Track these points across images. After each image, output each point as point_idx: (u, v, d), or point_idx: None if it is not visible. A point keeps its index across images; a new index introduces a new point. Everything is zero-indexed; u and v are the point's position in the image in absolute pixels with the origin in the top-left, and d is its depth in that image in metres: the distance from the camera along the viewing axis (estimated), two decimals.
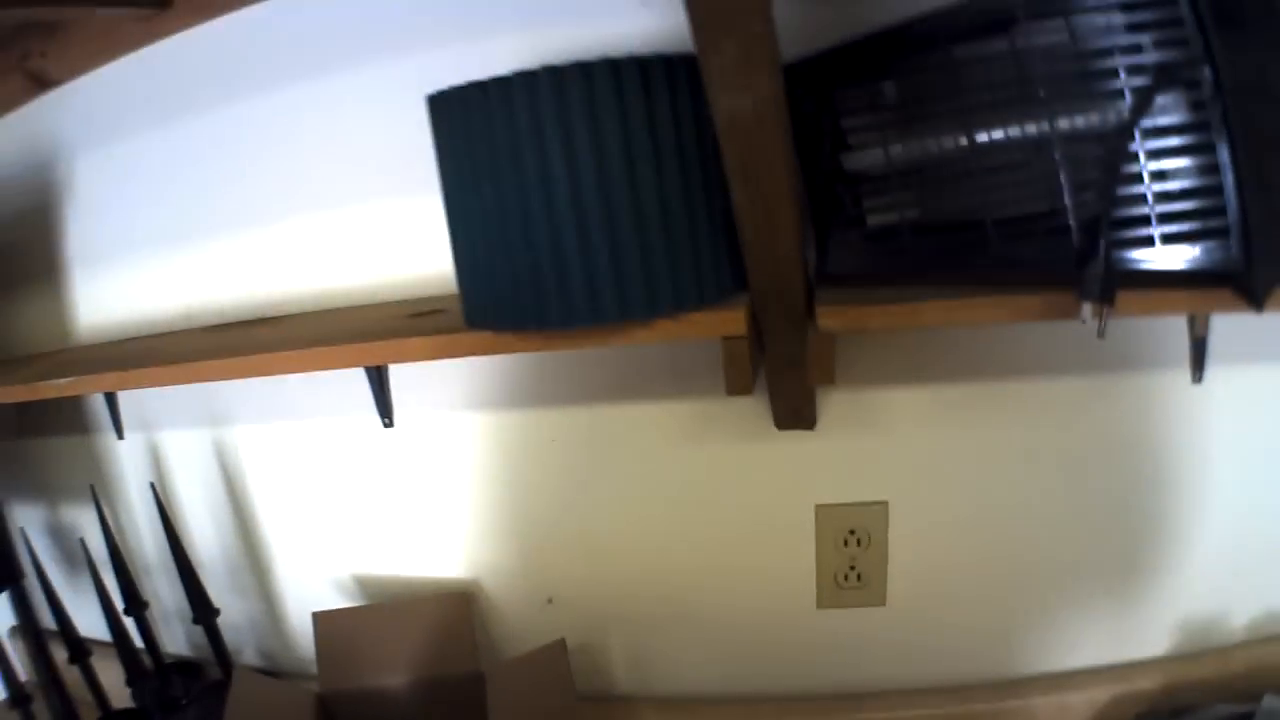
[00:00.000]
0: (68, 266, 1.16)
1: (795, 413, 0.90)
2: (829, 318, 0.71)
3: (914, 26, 0.70)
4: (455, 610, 1.03)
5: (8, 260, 1.18)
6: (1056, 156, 0.66)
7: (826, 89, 0.73)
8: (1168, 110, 0.63)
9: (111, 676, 1.10)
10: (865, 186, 0.74)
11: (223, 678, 1.10)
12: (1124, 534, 0.92)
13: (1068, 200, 0.66)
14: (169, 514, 1.08)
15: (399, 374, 0.99)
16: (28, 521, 1.23)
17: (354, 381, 0.98)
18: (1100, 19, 0.64)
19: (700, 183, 0.70)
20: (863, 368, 0.91)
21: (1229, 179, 0.63)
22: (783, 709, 1.02)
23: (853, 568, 0.97)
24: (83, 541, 1.07)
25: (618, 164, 0.67)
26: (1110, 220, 0.65)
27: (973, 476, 0.93)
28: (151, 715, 1.09)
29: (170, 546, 1.07)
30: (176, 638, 1.26)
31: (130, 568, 1.11)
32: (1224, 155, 0.63)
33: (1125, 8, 0.63)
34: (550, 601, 1.08)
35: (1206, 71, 0.62)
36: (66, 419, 1.22)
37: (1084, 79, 0.65)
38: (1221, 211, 0.63)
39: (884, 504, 0.95)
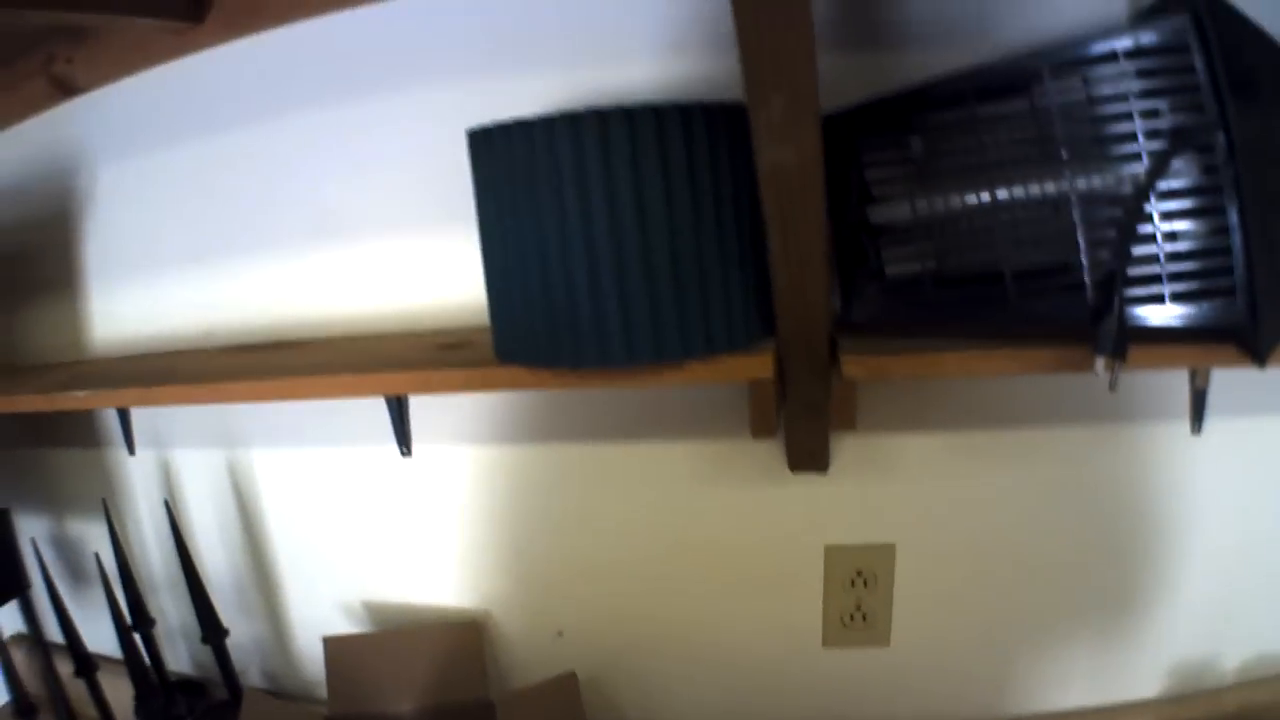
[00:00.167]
0: (84, 277, 1.16)
1: (810, 456, 0.92)
2: (853, 366, 0.73)
3: (938, 86, 0.73)
4: (466, 639, 1.04)
5: (23, 267, 1.19)
6: (1074, 215, 0.69)
7: (853, 143, 0.76)
8: (1181, 173, 0.67)
9: (115, 692, 1.10)
10: (888, 238, 0.76)
11: (228, 698, 1.10)
12: (1120, 578, 0.95)
13: (1084, 258, 0.69)
14: (183, 534, 1.08)
15: (416, 404, 1.01)
16: (32, 532, 1.24)
17: (371, 410, 0.99)
18: (1119, 84, 0.67)
19: (733, 230, 0.73)
20: (875, 413, 0.93)
21: (1237, 240, 0.66)
22: None
23: (859, 608, 0.99)
24: (98, 556, 1.08)
25: (657, 207, 0.69)
26: (1125, 278, 0.67)
27: (977, 521, 0.95)
28: None
29: (182, 565, 1.08)
30: (179, 656, 1.26)
31: (138, 584, 1.11)
32: (1233, 217, 0.66)
33: (1143, 74, 0.66)
34: (560, 634, 1.08)
35: (1220, 136, 0.65)
36: (77, 431, 1.23)
37: (1103, 141, 0.68)
38: (1229, 271, 0.66)
39: (891, 546, 0.97)
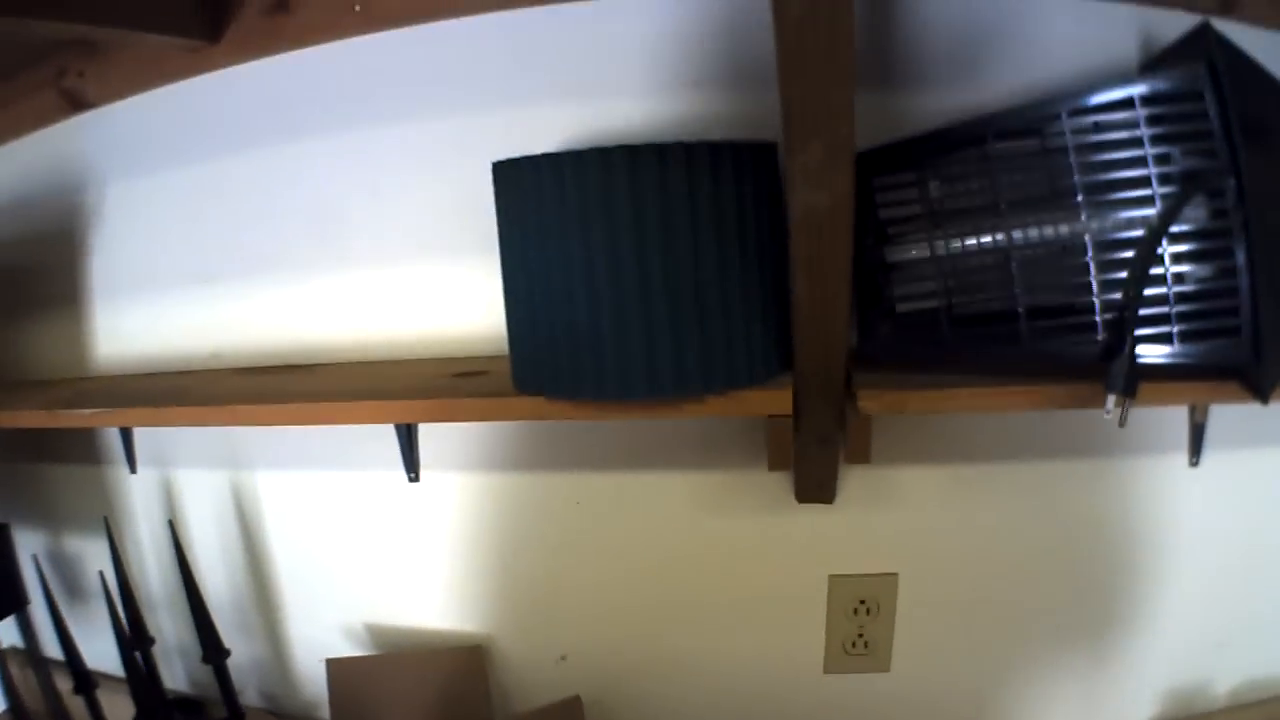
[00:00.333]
0: (89, 293, 1.16)
1: (818, 487, 0.93)
2: (869, 400, 0.75)
3: (954, 130, 0.75)
4: (470, 663, 1.04)
5: (26, 282, 1.18)
6: (1087, 256, 0.71)
7: (869, 184, 0.77)
8: (1191, 216, 0.69)
9: (112, 709, 1.09)
10: (902, 276, 0.78)
11: (227, 717, 1.09)
12: (1116, 607, 0.97)
13: (1095, 298, 0.71)
14: (186, 553, 1.08)
15: (424, 429, 1.01)
16: (28, 547, 1.22)
17: (378, 434, 1.00)
18: (1134, 129, 0.69)
19: (755, 266, 0.74)
20: (881, 446, 0.93)
21: (1244, 282, 0.68)
22: None
23: (860, 635, 1.00)
24: (102, 575, 1.06)
25: (683, 243, 0.71)
26: (1136, 318, 0.69)
27: (978, 551, 0.97)
28: None
29: (185, 585, 1.07)
30: (175, 674, 1.24)
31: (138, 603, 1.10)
32: (1241, 260, 0.68)
33: (1157, 119, 0.69)
34: (563, 659, 1.09)
35: (1231, 182, 0.67)
36: (78, 448, 1.22)
37: (1116, 184, 0.70)
38: (1234, 312, 0.68)
39: (894, 575, 0.98)
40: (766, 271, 0.75)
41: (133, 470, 1.13)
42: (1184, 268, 0.70)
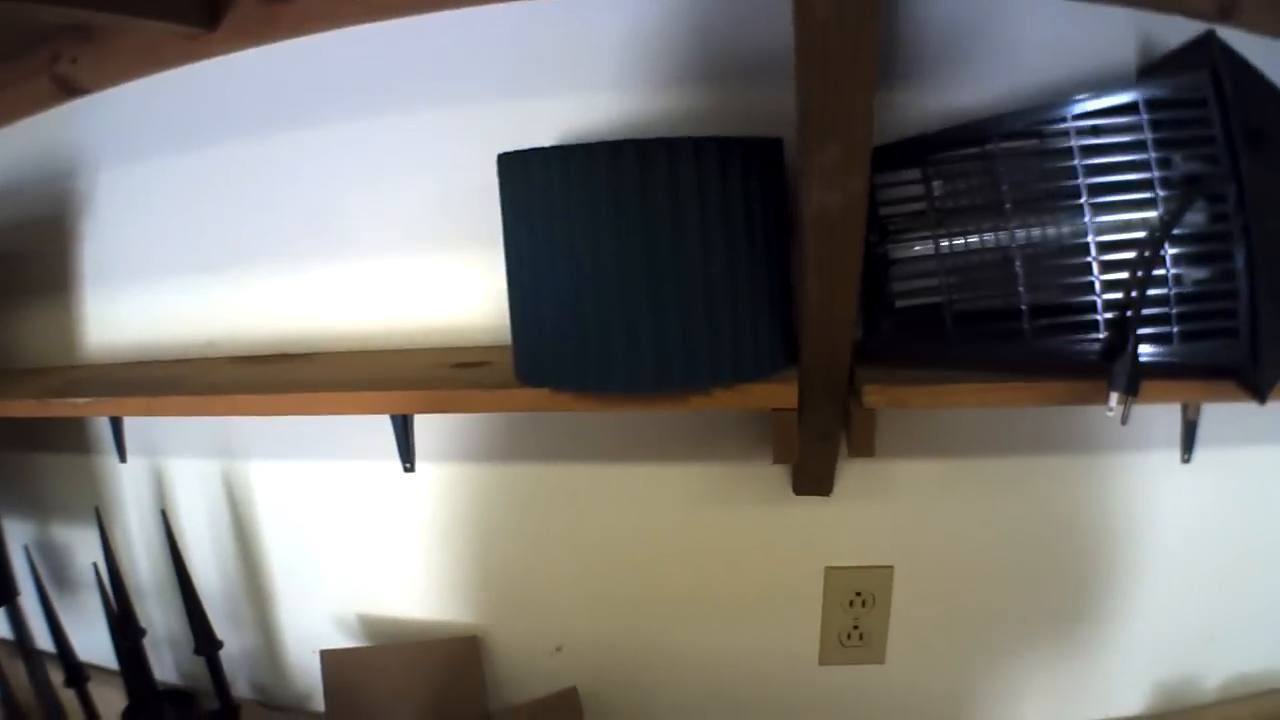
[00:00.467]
0: (79, 281, 1.14)
1: (816, 480, 0.94)
2: (874, 395, 0.75)
3: (957, 130, 0.75)
4: (465, 654, 1.05)
5: (15, 268, 1.16)
6: (1090, 256, 0.72)
7: (872, 182, 0.78)
8: (1191, 220, 0.70)
9: (101, 701, 1.08)
10: (905, 273, 0.79)
11: (219, 709, 1.08)
12: (1107, 600, 0.99)
13: (1098, 297, 0.72)
14: (179, 544, 1.07)
15: (419, 419, 1.01)
16: (15, 537, 1.20)
17: (372, 424, 1.00)
18: (1137, 133, 0.70)
19: (762, 260, 0.75)
20: (878, 440, 0.95)
21: (1243, 284, 0.69)
22: None
23: (856, 627, 1.02)
24: (96, 567, 1.05)
25: (692, 237, 0.71)
26: (1140, 318, 0.70)
27: (972, 544, 0.99)
28: None
29: (177, 575, 1.06)
30: (164, 665, 1.23)
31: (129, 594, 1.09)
32: (1240, 262, 0.69)
33: (1160, 124, 0.70)
34: (559, 649, 1.09)
35: (1232, 186, 0.69)
36: (66, 436, 1.20)
37: (1119, 186, 0.71)
38: (1233, 313, 0.70)
39: (890, 568, 1.00)
40: (772, 266, 0.76)
41: (122, 459, 1.12)
42: (1183, 270, 0.71)
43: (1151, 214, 0.71)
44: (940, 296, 0.78)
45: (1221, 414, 0.90)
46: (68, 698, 1.07)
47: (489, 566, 1.09)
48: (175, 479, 1.17)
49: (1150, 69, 0.83)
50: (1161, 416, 0.91)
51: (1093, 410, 0.86)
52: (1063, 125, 0.72)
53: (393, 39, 0.94)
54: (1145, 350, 0.71)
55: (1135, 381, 0.71)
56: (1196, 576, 0.97)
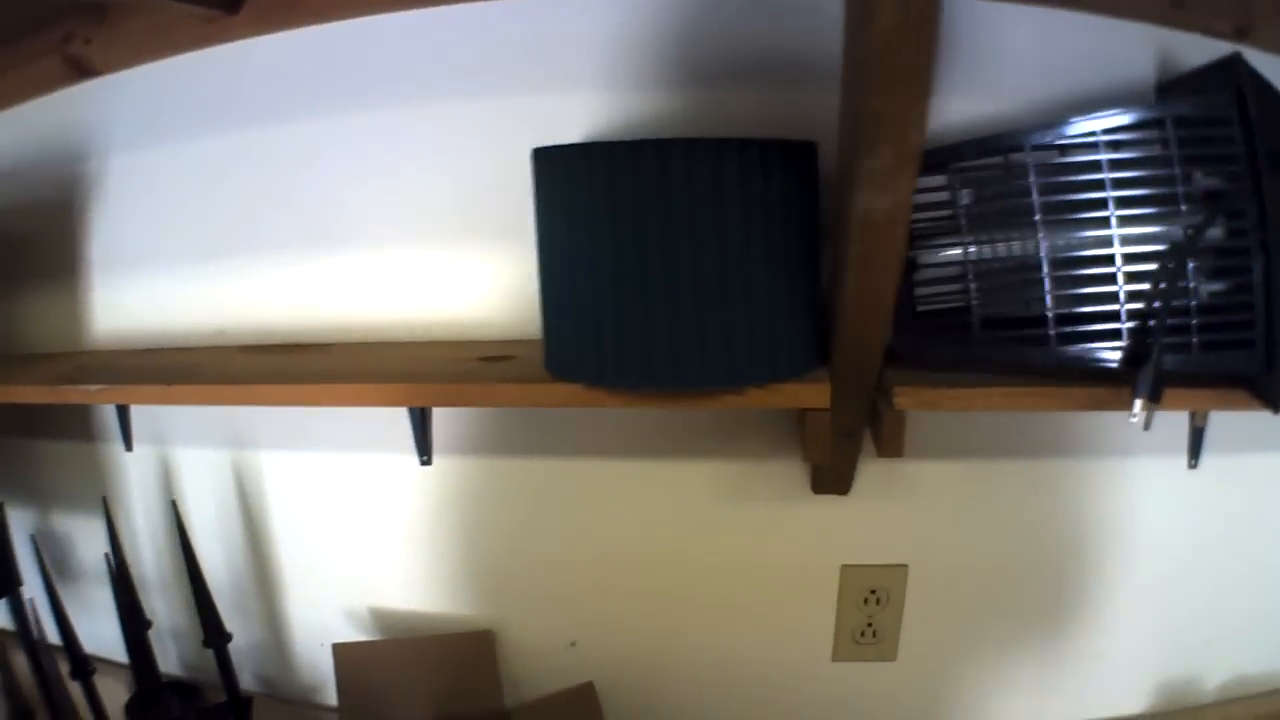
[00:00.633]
0: (88, 267, 1.12)
1: (836, 479, 0.96)
2: (904, 397, 0.77)
3: (983, 142, 0.77)
4: (479, 648, 1.05)
5: (21, 252, 1.14)
6: (1115, 266, 0.74)
7: None
8: (1211, 233, 0.73)
9: (105, 693, 1.07)
10: (926, 277, 0.81)
11: (226, 701, 1.08)
12: (1112, 604, 1.02)
13: (1121, 306, 0.74)
14: (188, 534, 1.06)
15: (435, 412, 1.01)
16: (18, 527, 1.18)
17: (387, 416, 1.00)
18: (1164, 148, 0.73)
19: (798, 261, 0.76)
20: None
21: (1260, 297, 0.72)
22: None
23: (869, 625, 1.03)
24: (108, 558, 1.04)
25: (736, 237, 0.72)
26: (1164, 328, 0.73)
27: (985, 544, 1.01)
28: None
29: (187, 567, 1.06)
30: (167, 657, 1.22)
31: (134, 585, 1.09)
32: (1258, 275, 0.72)
33: (1186, 141, 0.72)
34: (573, 645, 1.10)
35: (1253, 203, 0.71)
36: (70, 425, 1.19)
37: (1144, 200, 0.73)
38: (1249, 325, 0.73)
39: (904, 566, 1.02)
40: (805, 267, 0.77)
41: (128, 448, 1.10)
42: (1202, 281, 0.74)
43: (1174, 227, 0.73)
44: (964, 301, 0.79)
45: (1227, 422, 0.92)
46: (70, 689, 1.06)
47: (501, 560, 1.09)
48: (182, 468, 1.16)
49: (1168, 86, 0.86)
50: (1169, 424, 0.93)
51: (1103, 416, 0.90)
52: (1091, 139, 0.74)
53: (421, 29, 0.95)
54: (1166, 359, 0.73)
55: (1159, 388, 0.73)
56: (1199, 579, 1.00)
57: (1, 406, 1.11)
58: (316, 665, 1.16)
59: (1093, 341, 0.75)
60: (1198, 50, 0.83)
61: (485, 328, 1.01)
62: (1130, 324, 0.74)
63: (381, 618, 1.14)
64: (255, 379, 0.91)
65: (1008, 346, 0.79)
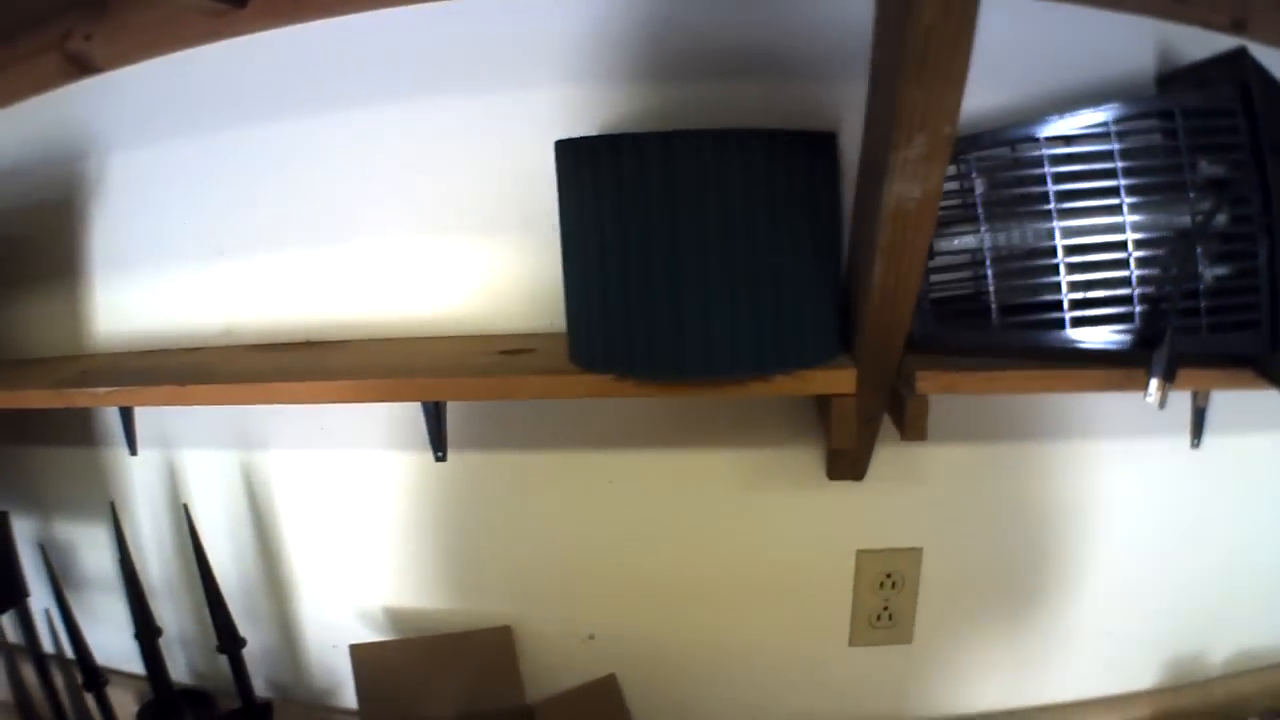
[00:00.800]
0: (89, 268, 1.10)
1: (851, 465, 0.97)
2: (926, 382, 0.79)
3: (1003, 131, 0.79)
4: (498, 645, 1.05)
5: (20, 254, 1.12)
6: (1127, 252, 0.76)
7: None
8: (1220, 220, 0.76)
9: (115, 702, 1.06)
10: (940, 264, 0.83)
11: (242, 707, 1.07)
12: (1122, 581, 1.05)
13: (1133, 290, 0.76)
14: (200, 539, 1.05)
15: (450, 407, 1.01)
16: (21, 535, 1.16)
17: (398, 412, 1.01)
18: (1171, 139, 0.76)
19: (825, 250, 0.78)
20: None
21: (1265, 280, 0.75)
22: None
23: (885, 608, 1.05)
24: (120, 564, 1.03)
25: (765, 226, 0.73)
26: (1178, 311, 0.75)
27: (998, 526, 1.03)
28: None
29: (200, 572, 1.04)
30: (177, 665, 1.20)
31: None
32: (1263, 260, 0.75)
33: (1193, 131, 0.75)
34: (591, 638, 1.10)
35: (1257, 190, 0.74)
36: (71, 429, 1.16)
37: (1156, 188, 0.76)
38: (1255, 307, 0.76)
39: (919, 550, 1.04)
40: (829, 255, 0.79)
41: (133, 452, 1.08)
42: (1209, 265, 0.76)
43: (1183, 214, 0.75)
44: (976, 288, 0.82)
45: (1228, 402, 0.95)
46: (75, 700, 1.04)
47: (515, 554, 1.09)
48: (188, 472, 1.15)
49: (1168, 78, 0.89)
50: (1171, 405, 0.96)
51: (1108, 398, 0.92)
52: (1103, 129, 0.76)
53: (422, 22, 0.94)
54: (1181, 340, 0.75)
55: (1173, 369, 0.75)
56: (1206, 556, 1.03)
57: (2, 413, 1.09)
58: (330, 668, 1.15)
59: (1106, 325, 0.78)
60: (1196, 43, 0.86)
61: (501, 321, 1.01)
62: (1141, 307, 0.77)
63: (396, 617, 1.14)
64: (271, 377, 0.90)
65: (1024, 332, 0.81)
